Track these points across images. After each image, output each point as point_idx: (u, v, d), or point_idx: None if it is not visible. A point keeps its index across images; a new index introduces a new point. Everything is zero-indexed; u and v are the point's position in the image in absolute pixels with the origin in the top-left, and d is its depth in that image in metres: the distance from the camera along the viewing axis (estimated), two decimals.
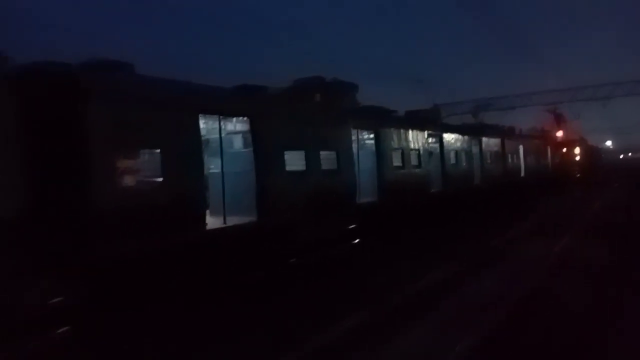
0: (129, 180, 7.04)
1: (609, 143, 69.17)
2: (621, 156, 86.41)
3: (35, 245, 5.83)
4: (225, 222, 8.87)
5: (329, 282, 8.84)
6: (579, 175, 37.88)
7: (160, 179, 7.48)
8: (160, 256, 7.16)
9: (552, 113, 40.57)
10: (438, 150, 17.45)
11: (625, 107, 46.73)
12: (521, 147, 27.62)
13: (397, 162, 14.27)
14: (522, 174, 27.31)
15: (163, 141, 7.51)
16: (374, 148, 13.52)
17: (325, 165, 11.19)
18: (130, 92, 7.23)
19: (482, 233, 13.83)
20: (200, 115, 8.31)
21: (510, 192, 22.96)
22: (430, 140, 16.90)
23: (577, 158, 39.92)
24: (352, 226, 11.84)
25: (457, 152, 18.74)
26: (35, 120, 6.00)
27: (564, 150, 37.57)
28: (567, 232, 13.21)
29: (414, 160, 15.32)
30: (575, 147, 39.70)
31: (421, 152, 15.79)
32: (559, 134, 39.13)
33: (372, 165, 13.36)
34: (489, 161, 22.02)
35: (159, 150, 7.49)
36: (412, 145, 15.28)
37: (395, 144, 14.28)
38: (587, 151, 45.22)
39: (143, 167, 7.38)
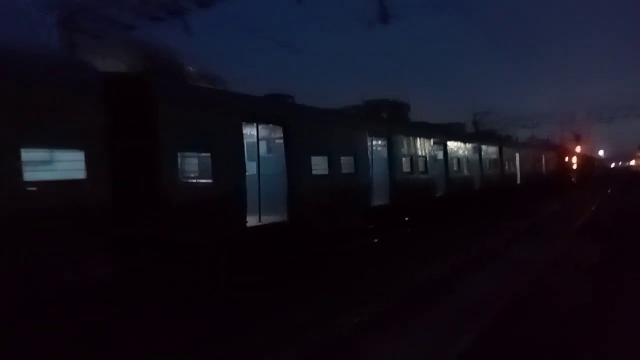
0: (188, 178, 8.09)
1: (601, 152, 72.02)
2: (612, 165, 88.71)
3: (115, 231, 6.85)
4: (260, 220, 9.91)
5: (344, 271, 9.78)
6: (574, 181, 42.34)
7: (211, 180, 8.53)
8: (211, 246, 8.21)
9: (572, 133, 49.86)
10: (442, 156, 18.61)
11: (620, 124, 53.07)
12: (517, 155, 28.91)
13: (406, 167, 15.40)
14: (518, 180, 28.59)
15: (214, 145, 8.57)
16: (386, 154, 14.62)
17: (344, 169, 12.28)
18: (190, 99, 8.29)
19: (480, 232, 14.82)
20: (243, 122, 9.36)
21: (508, 196, 24.22)
22: (435, 147, 18.05)
23: (574, 166, 45.28)
24: (367, 223, 12.94)
25: (459, 159, 19.90)
26: (115, 123, 7.01)
27: (565, 159, 42.28)
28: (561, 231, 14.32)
29: (421, 166, 16.44)
30: (572, 157, 45.07)
31: (427, 158, 16.93)
32: (577, 149, 48.74)
33: (385, 168, 14.45)
34: (487, 168, 23.23)
35: (210, 154, 8.53)
36: (419, 152, 16.42)
37: (405, 150, 15.42)
38: (583, 160, 51.36)
39: (198, 168, 8.42)
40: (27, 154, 5.89)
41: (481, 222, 17.01)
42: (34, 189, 5.95)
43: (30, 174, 5.91)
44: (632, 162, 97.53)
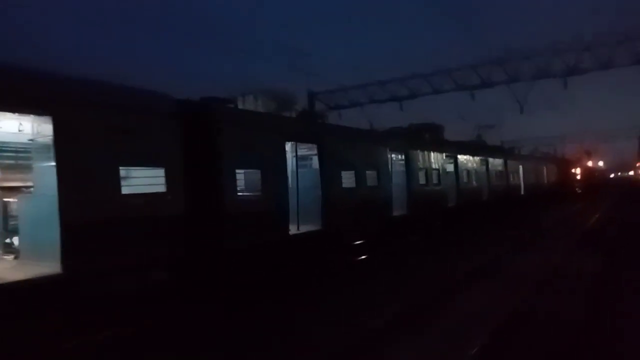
0: (246, 191, 9.17)
1: (601, 163, 74.48)
2: (612, 175, 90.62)
3: (188, 236, 7.91)
4: (298, 229, 10.96)
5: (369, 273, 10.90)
6: (579, 190, 47.09)
7: (260, 193, 9.59)
8: (261, 250, 9.27)
9: (585, 149, 58.92)
10: (453, 169, 19.72)
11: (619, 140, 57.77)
12: (520, 167, 30.08)
13: (422, 180, 16.50)
14: (522, 191, 29.72)
15: (263, 162, 9.65)
16: (404, 167, 15.71)
17: (369, 182, 13.35)
18: (244, 122, 9.39)
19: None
20: (285, 141, 10.46)
21: (513, 206, 25.35)
22: (447, 160, 19.16)
23: (578, 177, 50.67)
24: (388, 232, 14.00)
25: (469, 172, 21.02)
26: (188, 144, 8.10)
27: (569, 171, 46.66)
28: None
29: (435, 179, 17.54)
30: (576, 168, 50.75)
31: (440, 171, 18.03)
32: (589, 163, 59.21)
33: (403, 181, 15.52)
34: (494, 179, 24.36)
35: (260, 170, 9.61)
36: (433, 166, 17.52)
37: (420, 164, 16.53)
38: (586, 171, 56.59)
39: (251, 183, 9.48)
40: (123, 171, 6.97)
41: (490, 231, 18.20)
42: (129, 200, 7.01)
43: (126, 189, 6.98)
44: (631, 173, 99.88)
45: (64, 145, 6.29)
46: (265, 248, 9.50)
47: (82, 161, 6.48)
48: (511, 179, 27.68)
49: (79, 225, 6.32)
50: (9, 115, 6.63)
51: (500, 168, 26.04)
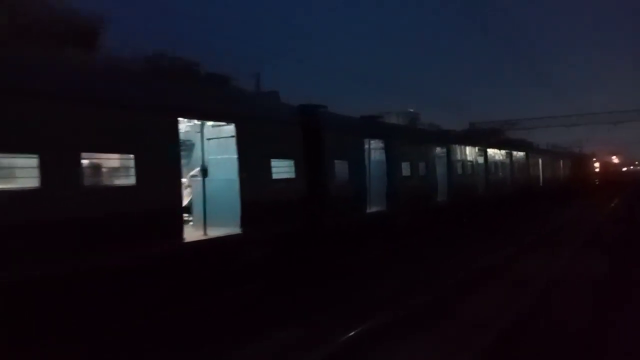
0: (339, 178, 11.85)
1: (615, 159, 78.84)
2: (624, 169, 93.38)
3: (307, 214, 10.62)
4: (369, 210, 13.62)
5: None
6: (597, 182, 55.69)
7: (347, 178, 12.25)
8: (351, 227, 11.98)
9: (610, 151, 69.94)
10: (483, 162, 22.27)
11: (629, 128, 57.46)
12: (540, 160, 32.54)
13: (459, 170, 19.10)
14: (541, 183, 32.22)
15: (353, 155, 12.33)
16: (444, 160, 18.29)
17: (420, 173, 15.98)
18: (338, 124, 12.06)
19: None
20: (364, 139, 13.12)
21: (533, 196, 27.95)
22: (478, 153, 21.71)
23: (597, 170, 61.67)
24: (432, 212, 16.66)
25: (496, 164, 23.58)
26: (306, 143, 10.78)
27: (589, 164, 56.73)
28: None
29: (469, 170, 20.13)
30: (595, 162, 61.16)
31: (473, 163, 20.61)
32: (614, 159, 74.49)
33: (444, 172, 18.12)
34: (516, 172, 26.88)
35: (347, 161, 12.26)
36: (468, 158, 20.11)
37: (458, 156, 19.12)
38: (602, 165, 68.56)
39: (341, 172, 12.14)
40: (274, 163, 9.68)
41: (518, 215, 20.88)
42: (277, 185, 9.74)
43: (276, 175, 9.71)
44: None
45: (241, 145, 8.98)
46: (351, 223, 12.22)
47: (252, 155, 9.19)
48: (531, 171, 30.20)
49: (249, 202, 9.01)
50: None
51: (522, 161, 28.54)
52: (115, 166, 7.01)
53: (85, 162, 6.48)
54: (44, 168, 5.88)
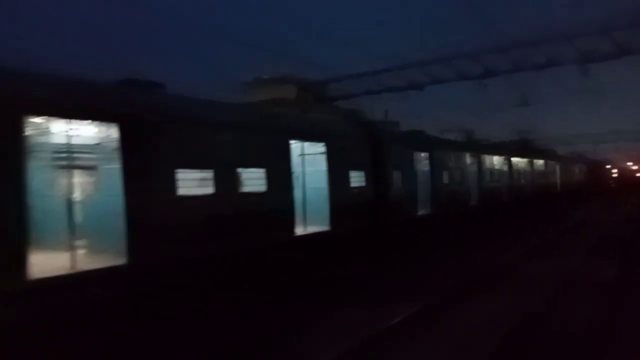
0: (396, 185, 14.16)
1: (630, 163, 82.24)
2: (638, 174, 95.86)
3: (374, 213, 12.94)
4: (417, 213, 15.90)
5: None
6: (614, 186, 63.59)
7: (401, 185, 14.54)
8: (404, 226, 14.27)
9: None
10: (507, 169, 24.45)
11: None
12: (557, 167, 34.64)
13: (488, 178, 21.33)
14: (558, 188, 34.30)
15: (405, 165, 14.64)
16: (476, 167, 20.52)
17: (456, 179, 18.23)
18: (395, 140, 14.38)
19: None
20: (414, 152, 15.44)
21: (552, 200, 30.04)
22: (503, 161, 23.89)
23: (615, 175, 70.44)
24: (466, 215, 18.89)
25: (519, 171, 25.75)
26: (372, 155, 13.12)
27: (605, 170, 63.55)
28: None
29: (497, 177, 22.34)
30: (613, 168, 69.31)
31: (500, 171, 22.81)
32: (631, 165, 79.16)
33: (475, 179, 20.35)
34: (537, 178, 29.03)
35: (400, 171, 14.56)
36: (496, 166, 22.33)
37: (487, 165, 21.36)
38: (620, 171, 76.15)
39: (397, 181, 14.44)
40: (351, 173, 12.04)
41: (538, 216, 23.06)
42: (353, 191, 12.09)
43: (352, 183, 12.07)
44: None
45: (330, 158, 11.34)
46: (405, 222, 14.52)
47: (337, 167, 11.55)
48: (550, 177, 32.33)
49: (336, 206, 11.35)
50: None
51: (542, 168, 30.68)
52: (254, 177, 9.37)
53: (238, 175, 8.88)
54: (216, 179, 8.30)
